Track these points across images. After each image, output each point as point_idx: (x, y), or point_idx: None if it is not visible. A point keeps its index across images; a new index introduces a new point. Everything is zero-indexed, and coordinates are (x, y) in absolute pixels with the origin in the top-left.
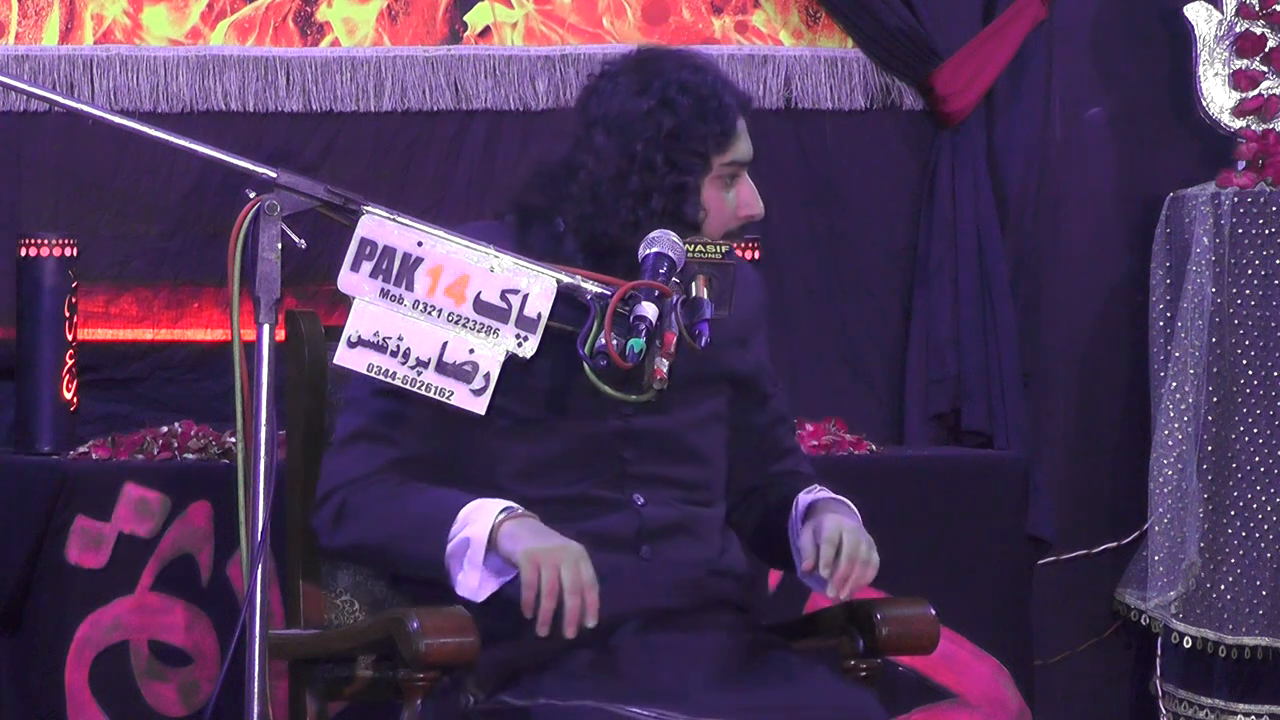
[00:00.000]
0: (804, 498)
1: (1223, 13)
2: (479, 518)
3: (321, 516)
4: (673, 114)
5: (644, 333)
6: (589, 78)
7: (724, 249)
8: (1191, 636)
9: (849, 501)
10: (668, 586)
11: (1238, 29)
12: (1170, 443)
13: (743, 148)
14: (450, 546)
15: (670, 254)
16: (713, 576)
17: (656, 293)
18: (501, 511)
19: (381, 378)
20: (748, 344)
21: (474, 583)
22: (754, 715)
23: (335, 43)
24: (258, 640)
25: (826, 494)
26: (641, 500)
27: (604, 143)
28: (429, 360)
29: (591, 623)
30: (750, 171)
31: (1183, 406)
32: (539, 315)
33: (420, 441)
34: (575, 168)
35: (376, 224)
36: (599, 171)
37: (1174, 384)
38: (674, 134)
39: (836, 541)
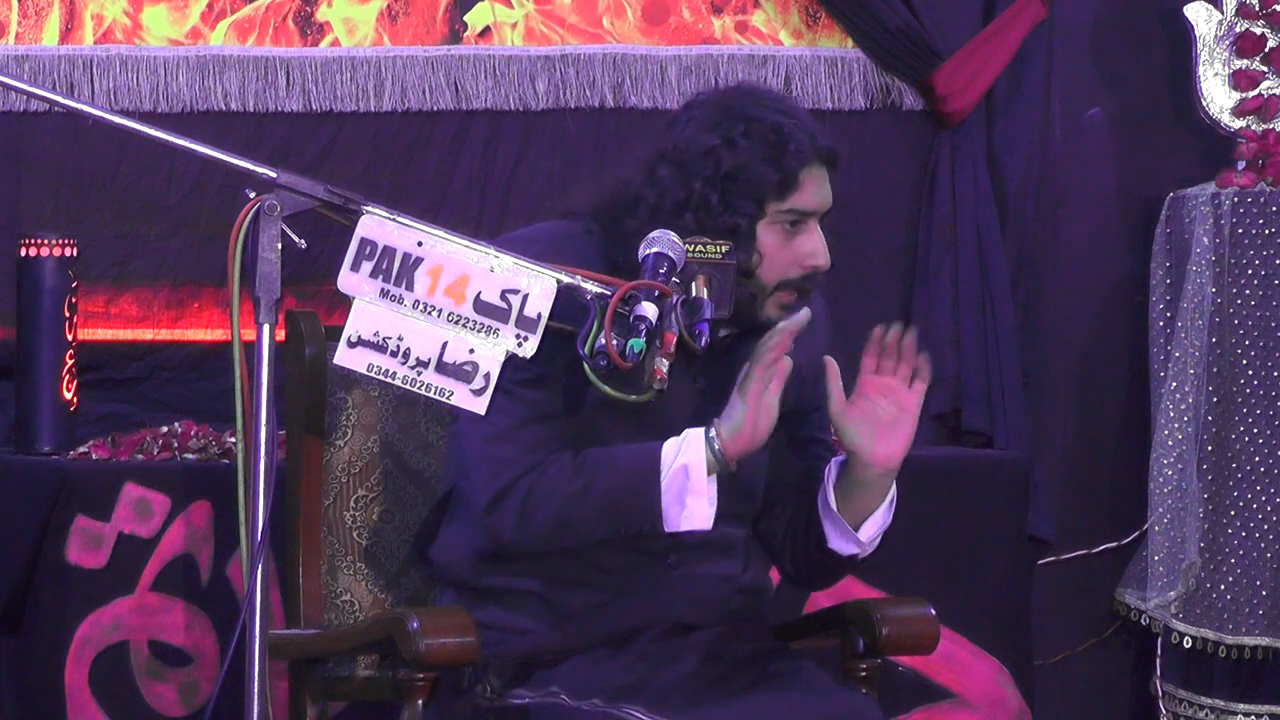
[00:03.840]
0: (836, 460)
1: (1223, 13)
2: (687, 448)
3: (504, 513)
4: (733, 154)
5: (644, 333)
6: (683, 107)
7: (724, 249)
8: (1191, 636)
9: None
10: (691, 602)
11: (1238, 29)
12: (1170, 443)
13: (807, 198)
14: (665, 484)
15: (670, 254)
16: (735, 594)
17: (656, 293)
18: (708, 435)
19: (381, 377)
20: (817, 377)
21: (705, 509)
22: None
23: (335, 43)
24: (258, 640)
25: None
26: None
27: (666, 175)
28: (429, 360)
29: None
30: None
31: (1183, 406)
32: (539, 315)
33: (556, 421)
34: (639, 199)
35: (376, 224)
36: (659, 204)
37: (1174, 384)
38: (731, 175)
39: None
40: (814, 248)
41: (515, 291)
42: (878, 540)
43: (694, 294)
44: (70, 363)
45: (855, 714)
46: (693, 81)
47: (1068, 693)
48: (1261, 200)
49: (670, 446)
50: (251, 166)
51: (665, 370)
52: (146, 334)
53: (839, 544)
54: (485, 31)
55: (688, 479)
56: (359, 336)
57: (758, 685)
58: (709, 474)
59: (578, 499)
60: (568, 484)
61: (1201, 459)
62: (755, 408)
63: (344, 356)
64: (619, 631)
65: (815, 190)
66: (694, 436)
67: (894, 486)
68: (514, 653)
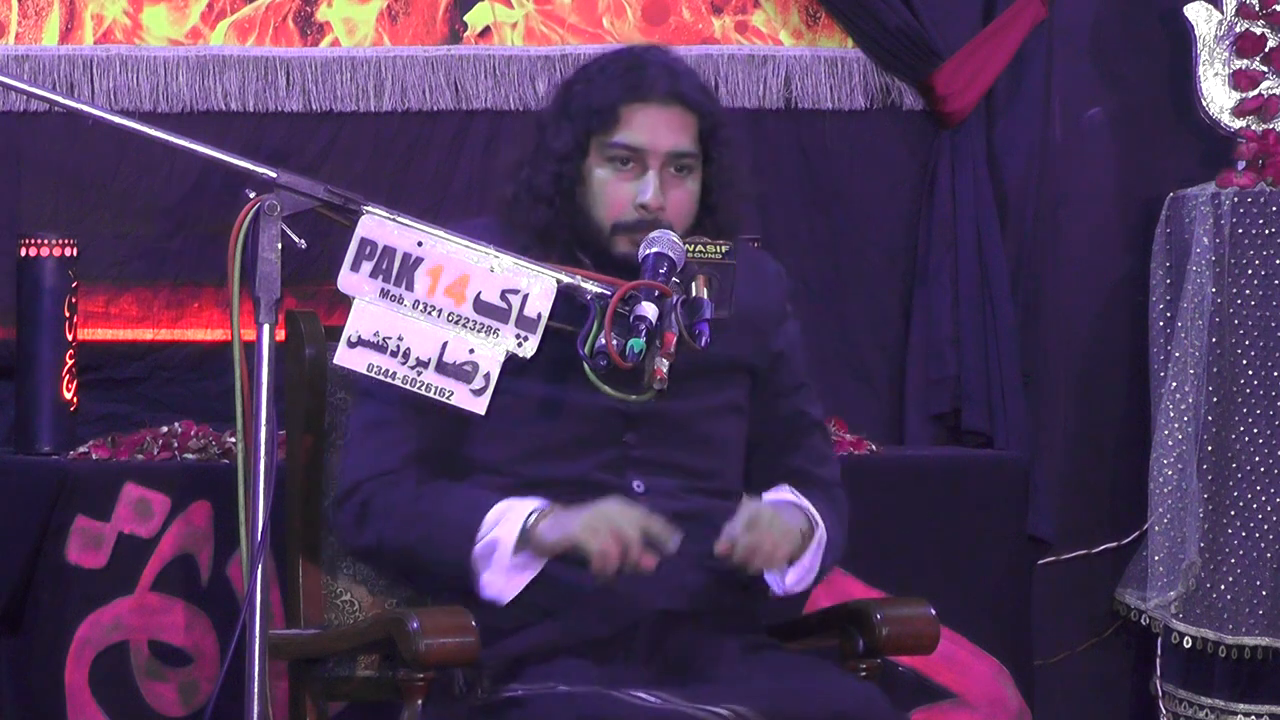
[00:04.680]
0: (768, 496)
1: (1223, 13)
2: (508, 519)
3: (345, 514)
4: (582, 89)
5: (644, 333)
6: None
7: (724, 249)
8: (1191, 636)
9: (813, 510)
10: (670, 588)
11: (1238, 29)
12: (1170, 443)
13: (635, 134)
14: (477, 549)
15: (670, 254)
16: (721, 586)
17: (656, 293)
18: (531, 514)
19: (381, 378)
20: (768, 335)
21: (500, 583)
22: (759, 701)
23: (335, 43)
24: (258, 640)
25: (789, 497)
26: (641, 488)
27: (535, 120)
28: (429, 360)
29: (673, 546)
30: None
31: (1183, 406)
32: (539, 315)
33: (436, 426)
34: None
35: (376, 224)
36: (522, 155)
37: (1174, 384)
38: (569, 106)
39: (746, 522)
40: (646, 188)
41: (515, 291)
42: (807, 585)
43: (694, 294)
44: (70, 363)
45: (864, 699)
46: None
47: (1068, 693)
48: (1261, 200)
49: (493, 515)
50: (251, 166)
51: (665, 370)
52: (146, 334)
53: (771, 579)
54: (485, 31)
55: (495, 550)
56: (359, 336)
57: (764, 670)
58: (515, 552)
59: (403, 529)
60: (402, 510)
61: (1201, 459)
62: (579, 538)
63: (344, 356)
64: (611, 629)
65: (649, 128)
66: (516, 511)
67: (821, 534)
68: (506, 651)
